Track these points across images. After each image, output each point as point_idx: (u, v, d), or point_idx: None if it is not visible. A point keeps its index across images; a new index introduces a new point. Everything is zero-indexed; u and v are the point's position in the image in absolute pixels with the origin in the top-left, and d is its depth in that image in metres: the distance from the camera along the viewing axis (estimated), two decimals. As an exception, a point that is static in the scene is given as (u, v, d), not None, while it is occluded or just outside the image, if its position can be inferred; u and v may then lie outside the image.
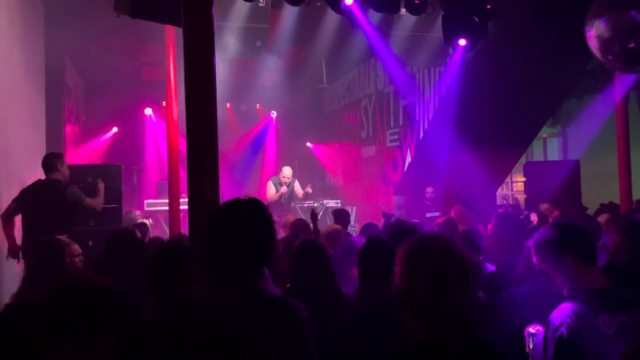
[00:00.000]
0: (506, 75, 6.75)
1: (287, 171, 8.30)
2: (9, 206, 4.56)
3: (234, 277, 1.57)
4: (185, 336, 1.50)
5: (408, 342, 1.25)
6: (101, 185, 5.27)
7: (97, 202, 5.08)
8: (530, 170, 7.75)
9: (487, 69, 6.81)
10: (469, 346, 1.22)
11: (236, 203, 1.66)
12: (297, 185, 8.51)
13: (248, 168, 12.13)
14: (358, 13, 5.68)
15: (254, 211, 1.64)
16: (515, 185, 12.03)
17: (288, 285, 2.66)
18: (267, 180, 8.60)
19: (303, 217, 8.31)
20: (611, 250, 2.91)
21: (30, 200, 4.60)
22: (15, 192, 4.88)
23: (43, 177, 4.79)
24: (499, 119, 7.15)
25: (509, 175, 10.45)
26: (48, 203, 4.55)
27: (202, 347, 1.49)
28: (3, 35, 4.92)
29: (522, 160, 9.23)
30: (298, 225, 4.75)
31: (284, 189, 8.21)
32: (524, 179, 7.96)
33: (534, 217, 5.14)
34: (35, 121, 6.32)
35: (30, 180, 4.88)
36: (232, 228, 1.59)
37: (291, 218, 5.83)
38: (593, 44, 3.93)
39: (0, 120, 4.78)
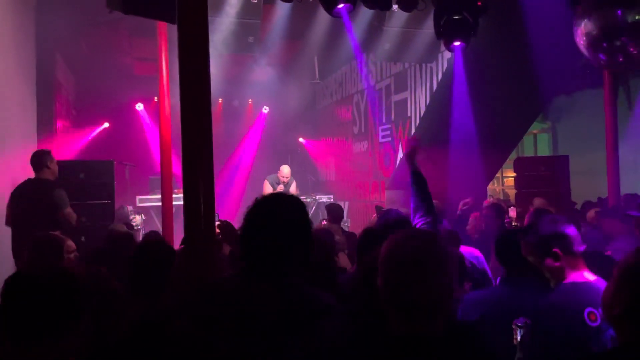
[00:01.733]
0: (497, 71, 6.81)
1: (285, 170, 8.25)
2: (7, 214, 4.56)
3: (272, 270, 1.61)
4: (218, 325, 1.52)
5: (388, 335, 1.26)
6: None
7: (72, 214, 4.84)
8: (520, 165, 7.82)
9: (478, 65, 6.86)
10: (448, 337, 1.23)
11: (278, 198, 1.73)
12: (293, 186, 8.49)
13: (241, 164, 12.13)
14: (347, 21, 5.75)
15: (296, 205, 1.70)
16: (506, 180, 12.12)
17: None
18: (264, 177, 8.53)
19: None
20: None
21: (19, 200, 4.60)
22: (6, 188, 4.87)
23: (32, 173, 4.78)
24: (489, 114, 7.21)
25: (500, 171, 10.53)
26: (38, 204, 4.55)
27: (234, 336, 1.50)
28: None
29: (513, 155, 9.31)
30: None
31: (280, 187, 8.17)
32: (514, 174, 8.03)
33: (512, 213, 5.18)
34: (27, 117, 6.29)
35: (21, 175, 4.87)
36: (275, 222, 1.63)
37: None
38: (580, 42, 3.98)
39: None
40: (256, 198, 1.75)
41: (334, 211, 5.78)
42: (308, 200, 10.31)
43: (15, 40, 5.71)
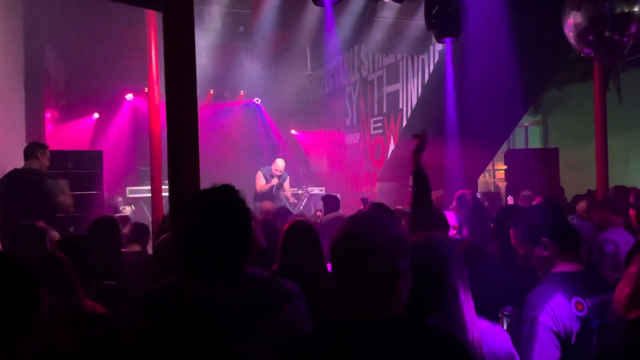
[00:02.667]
0: (488, 64, 6.81)
1: (280, 163, 8.22)
2: None
3: (219, 269, 1.53)
4: (172, 331, 1.47)
5: (337, 319, 1.25)
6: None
7: (70, 204, 4.84)
8: (510, 157, 7.85)
9: (468, 58, 6.85)
10: (405, 318, 1.22)
11: (210, 192, 1.60)
12: (287, 182, 8.47)
13: (233, 156, 12.08)
14: (329, 12, 5.73)
15: (230, 198, 1.59)
16: (497, 172, 12.18)
17: (274, 267, 2.68)
18: (257, 169, 8.50)
19: (289, 206, 8.32)
20: None
21: (7, 189, 4.57)
22: (-7, 179, 4.82)
23: (21, 164, 4.73)
24: (480, 107, 7.22)
25: (491, 163, 10.57)
26: (26, 192, 4.51)
27: (192, 341, 1.47)
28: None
29: (504, 148, 9.34)
30: (281, 213, 4.77)
31: (275, 180, 8.14)
32: (505, 166, 8.06)
33: (511, 202, 5.21)
34: (14, 107, 6.21)
35: (9, 166, 4.82)
36: (211, 218, 1.54)
37: (268, 206, 5.84)
38: (569, 34, 3.98)
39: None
40: (192, 196, 1.65)
41: (329, 202, 5.77)
42: (299, 192, 10.30)
43: (3, 29, 5.63)
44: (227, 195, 1.59)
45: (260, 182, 8.13)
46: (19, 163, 4.83)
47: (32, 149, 4.73)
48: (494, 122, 7.68)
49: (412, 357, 1.16)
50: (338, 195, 10.49)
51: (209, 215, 1.54)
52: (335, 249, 1.24)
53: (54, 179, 4.70)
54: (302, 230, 2.65)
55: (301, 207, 9.72)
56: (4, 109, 5.71)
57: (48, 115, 8.30)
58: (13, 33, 6.11)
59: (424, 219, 2.57)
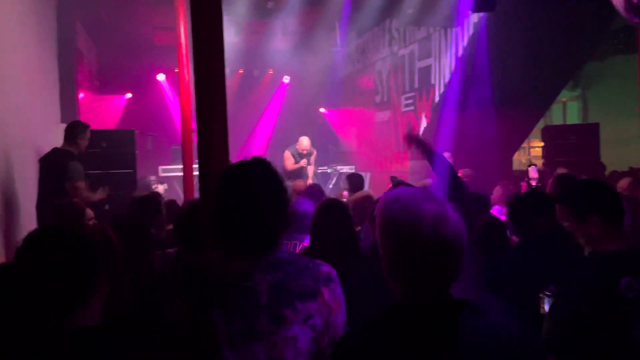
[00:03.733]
0: (524, 37, 6.55)
1: (305, 142, 8.12)
2: None
3: (256, 246, 1.50)
4: (213, 307, 1.46)
5: (394, 303, 1.24)
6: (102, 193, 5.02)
7: (87, 194, 4.76)
8: (548, 134, 7.60)
9: (505, 30, 6.61)
10: (445, 303, 1.21)
11: (245, 164, 1.54)
12: (313, 157, 8.37)
13: (262, 134, 12.10)
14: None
15: (266, 171, 1.53)
16: (532, 150, 11.86)
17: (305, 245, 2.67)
18: (284, 149, 8.44)
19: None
20: None
21: (43, 167, 4.71)
22: (31, 160, 4.94)
23: (58, 143, 4.83)
24: (516, 82, 6.98)
25: (526, 141, 10.29)
26: (56, 173, 4.61)
27: (233, 318, 1.46)
28: (14, 0, 4.87)
29: (540, 124, 9.06)
30: (313, 191, 4.74)
31: (304, 161, 8.07)
32: (542, 144, 7.82)
33: (533, 173, 5.00)
34: (49, 88, 6.32)
35: (45, 146, 4.92)
36: (249, 191, 1.47)
37: (300, 184, 5.81)
38: (617, 2, 3.76)
39: (13, 88, 4.77)
40: (225, 170, 1.59)
41: (353, 181, 5.74)
42: (329, 171, 10.25)
43: (35, 9, 5.69)
44: (263, 168, 1.54)
45: (289, 162, 8.07)
46: (56, 142, 4.92)
47: (73, 132, 4.81)
48: (530, 98, 7.43)
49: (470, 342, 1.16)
50: (368, 175, 10.44)
51: (246, 188, 1.49)
52: (409, 246, 1.19)
53: (75, 163, 4.68)
54: (334, 209, 2.62)
55: (330, 186, 9.68)
56: (40, 89, 5.81)
57: (81, 95, 8.43)
58: (45, 14, 6.18)
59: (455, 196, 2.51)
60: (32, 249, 1.28)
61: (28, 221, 4.72)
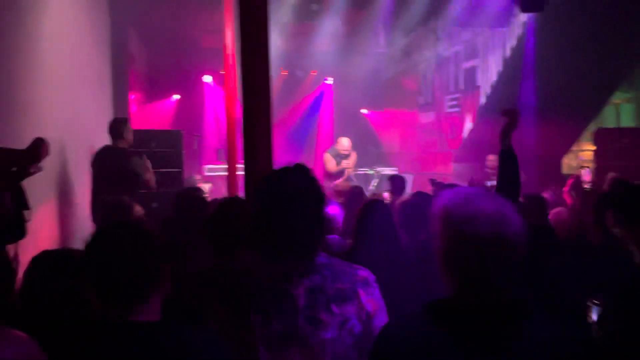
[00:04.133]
0: (576, 36, 6.34)
1: (345, 142, 8.07)
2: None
3: (294, 250, 1.51)
4: (252, 309, 1.50)
5: (444, 299, 1.24)
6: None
7: (153, 180, 5.03)
8: (601, 137, 7.32)
9: (556, 30, 6.41)
10: (494, 302, 1.19)
11: (285, 171, 1.56)
12: (353, 158, 8.33)
13: (304, 135, 12.17)
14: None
15: (305, 177, 1.56)
16: (583, 153, 11.43)
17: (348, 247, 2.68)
18: (324, 151, 8.42)
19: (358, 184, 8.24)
20: None
21: (97, 166, 4.87)
22: (84, 156, 5.16)
23: (109, 141, 5.02)
24: (567, 83, 6.76)
25: (576, 144, 9.94)
26: (112, 170, 4.77)
27: (271, 321, 1.49)
28: (70, 4, 5.10)
29: (592, 127, 8.73)
30: (355, 193, 4.75)
31: (346, 163, 8.03)
32: (593, 147, 7.54)
33: (587, 176, 4.83)
34: (103, 89, 6.59)
35: (98, 144, 5.13)
36: (288, 198, 1.50)
37: (345, 185, 5.83)
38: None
39: (70, 89, 5.01)
40: (265, 175, 1.61)
41: (396, 183, 5.74)
42: (370, 172, 10.21)
43: (91, 14, 5.95)
44: (302, 175, 1.56)
45: (330, 164, 8.04)
46: (108, 142, 5.12)
47: (117, 128, 4.98)
48: (580, 99, 7.18)
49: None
50: (411, 177, 10.36)
51: (285, 195, 1.51)
52: (467, 242, 1.19)
53: (140, 157, 4.92)
54: (378, 210, 2.62)
55: (371, 188, 9.64)
56: (94, 92, 6.07)
57: (132, 97, 8.75)
58: (100, 17, 6.45)
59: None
60: (101, 243, 1.34)
61: (82, 219, 4.93)
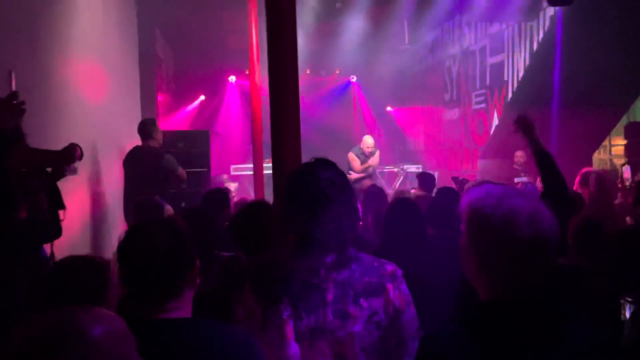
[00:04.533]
0: (606, 28, 6.18)
1: (369, 140, 8.06)
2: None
3: (324, 245, 1.53)
4: (283, 302, 1.51)
5: (479, 300, 1.21)
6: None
7: (184, 175, 5.19)
8: (632, 131, 7.12)
9: (585, 22, 6.27)
10: (533, 302, 1.16)
11: (314, 165, 1.59)
12: (376, 156, 8.30)
13: (330, 133, 12.18)
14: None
15: (334, 171, 1.58)
16: (614, 148, 11.14)
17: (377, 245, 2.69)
18: (350, 148, 8.40)
19: (383, 182, 8.20)
20: None
21: (129, 166, 4.96)
22: (115, 156, 5.28)
23: (139, 142, 5.12)
24: (597, 76, 6.60)
25: (607, 138, 9.69)
26: (145, 169, 4.85)
27: (302, 313, 1.51)
28: (99, 7, 5.22)
29: (623, 121, 8.50)
30: (372, 192, 4.74)
31: (370, 161, 8.02)
32: (625, 141, 7.34)
33: (628, 174, 4.69)
34: (131, 90, 6.73)
35: (128, 145, 5.24)
36: (319, 192, 1.52)
37: (369, 184, 5.82)
38: None
39: (101, 90, 5.13)
40: (293, 171, 1.64)
41: (425, 180, 5.71)
42: (396, 170, 10.16)
43: (119, 16, 6.08)
44: (331, 169, 1.59)
45: (355, 163, 8.02)
46: (137, 142, 5.23)
47: (146, 129, 5.08)
48: (611, 93, 7.00)
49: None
50: (437, 174, 10.30)
51: (316, 188, 1.53)
52: (506, 242, 1.17)
53: (171, 155, 5.01)
54: (405, 207, 2.63)
55: (397, 186, 9.60)
56: (124, 94, 6.21)
57: (160, 98, 8.90)
58: (127, 20, 6.59)
59: (563, 203, 2.39)
60: (134, 241, 1.36)
61: (115, 219, 5.05)
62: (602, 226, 2.72)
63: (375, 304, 1.53)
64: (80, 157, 2.87)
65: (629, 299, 1.89)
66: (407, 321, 1.55)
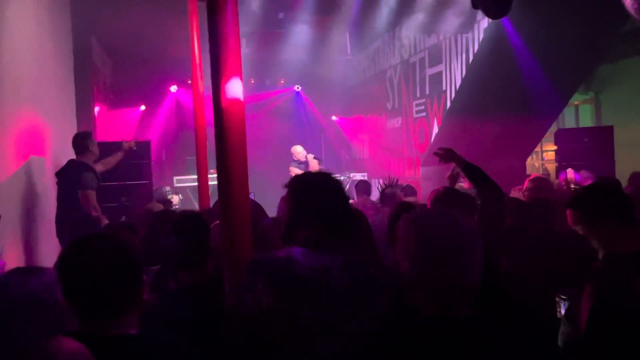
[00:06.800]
0: (536, 40, 6.55)
1: (298, 149, 8.21)
2: None
3: (331, 243, 1.64)
4: (289, 298, 1.54)
5: (417, 313, 1.26)
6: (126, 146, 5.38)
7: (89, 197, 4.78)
8: (562, 137, 7.55)
9: (516, 34, 6.61)
10: (477, 316, 1.21)
11: (314, 174, 1.81)
12: (315, 163, 8.40)
13: (276, 144, 12.16)
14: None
15: (330, 180, 1.75)
16: (546, 154, 11.77)
17: None
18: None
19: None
20: None
21: (59, 182, 4.83)
22: (50, 173, 5.03)
23: (74, 156, 4.92)
24: (528, 86, 6.97)
25: (539, 145, 10.22)
26: (67, 186, 4.72)
27: (309, 310, 1.53)
28: (31, 16, 4.99)
29: (553, 128, 9.01)
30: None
31: (312, 168, 8.10)
32: (555, 147, 7.77)
33: (571, 174, 4.94)
34: (66, 102, 6.44)
35: (63, 160, 5.02)
36: (323, 197, 1.68)
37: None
38: (628, 2, 3.76)
39: (32, 102, 4.88)
40: (296, 176, 1.80)
41: (362, 188, 6.01)
42: (342, 177, 10.28)
43: (52, 25, 5.82)
44: (328, 178, 1.77)
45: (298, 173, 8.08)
46: (72, 156, 5.01)
47: (80, 142, 4.89)
48: (542, 101, 7.41)
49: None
50: (380, 181, 10.44)
51: (322, 191, 1.70)
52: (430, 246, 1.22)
53: (88, 173, 4.74)
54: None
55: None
56: (57, 104, 5.93)
57: (97, 108, 8.58)
58: (62, 29, 6.32)
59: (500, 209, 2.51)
60: (75, 256, 1.31)
61: (48, 234, 4.80)
62: (529, 231, 2.88)
63: (377, 305, 1.59)
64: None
65: (563, 297, 1.99)
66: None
